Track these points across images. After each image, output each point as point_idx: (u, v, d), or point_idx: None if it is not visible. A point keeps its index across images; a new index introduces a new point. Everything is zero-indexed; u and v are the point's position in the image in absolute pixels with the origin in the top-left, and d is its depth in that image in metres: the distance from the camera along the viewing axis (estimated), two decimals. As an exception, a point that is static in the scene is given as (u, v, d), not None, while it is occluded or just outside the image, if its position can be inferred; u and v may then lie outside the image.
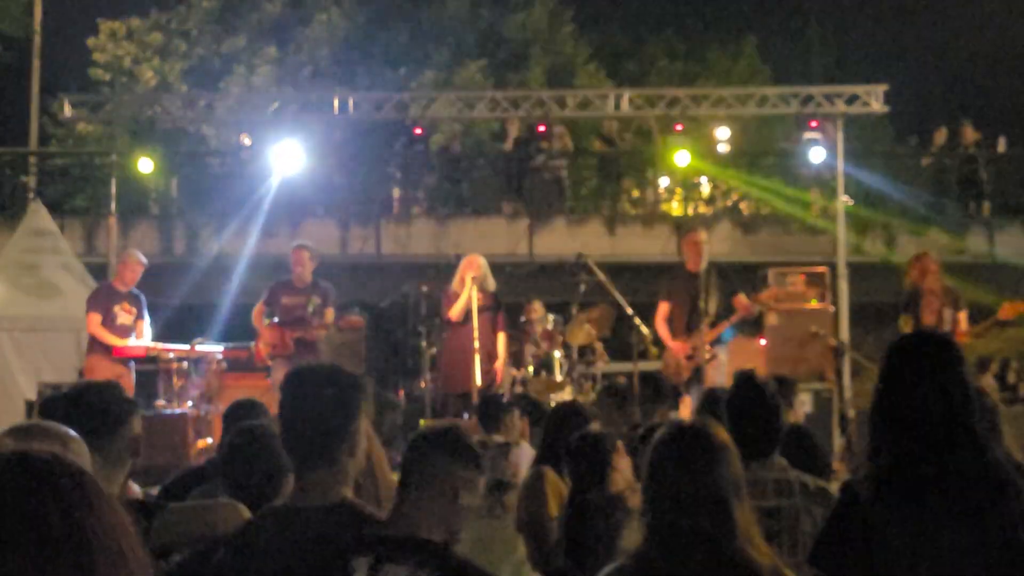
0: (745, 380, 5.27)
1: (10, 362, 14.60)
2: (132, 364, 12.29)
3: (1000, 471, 3.66)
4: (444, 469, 3.72)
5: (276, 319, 12.19)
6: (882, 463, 3.72)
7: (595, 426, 6.38)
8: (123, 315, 12.22)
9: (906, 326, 12.76)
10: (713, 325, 11.83)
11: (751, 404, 5.09)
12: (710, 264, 12.09)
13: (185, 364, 12.35)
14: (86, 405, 4.16)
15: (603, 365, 14.04)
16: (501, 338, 12.60)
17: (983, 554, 3.54)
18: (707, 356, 11.65)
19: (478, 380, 11.94)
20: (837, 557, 3.71)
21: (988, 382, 15.62)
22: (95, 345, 12.20)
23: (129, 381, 11.78)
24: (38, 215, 16.61)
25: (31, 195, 20.83)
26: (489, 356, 12.38)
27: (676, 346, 11.92)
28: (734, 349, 12.48)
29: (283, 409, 3.56)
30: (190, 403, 12.24)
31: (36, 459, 1.62)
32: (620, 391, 8.63)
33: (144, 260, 12.55)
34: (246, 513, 3.93)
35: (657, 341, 12.73)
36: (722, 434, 3.56)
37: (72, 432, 3.54)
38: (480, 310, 12.27)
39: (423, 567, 3.70)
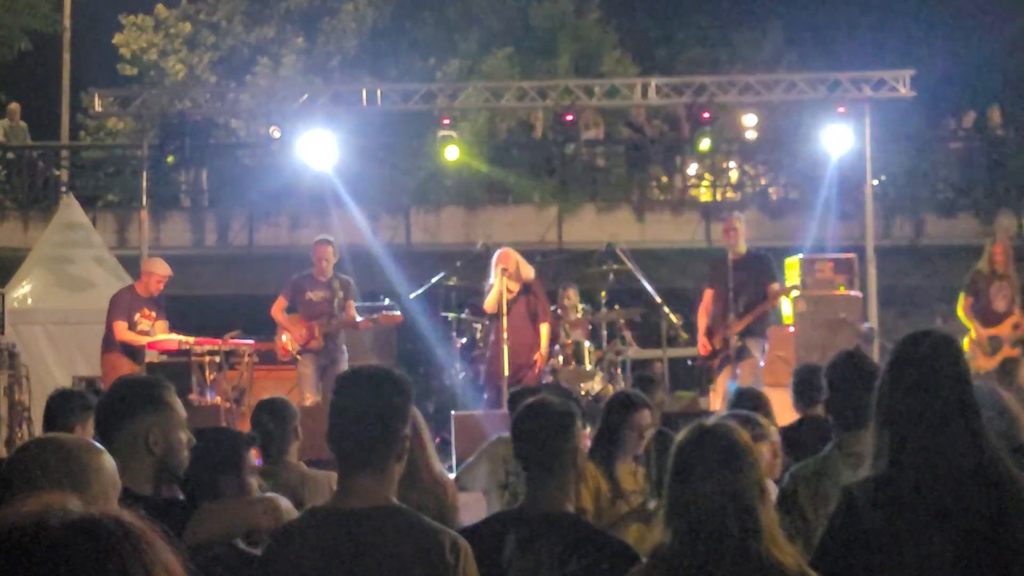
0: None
1: (45, 356, 14.69)
2: (144, 362, 12.21)
3: (996, 470, 3.63)
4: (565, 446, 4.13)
5: (300, 313, 12.22)
6: (880, 466, 3.70)
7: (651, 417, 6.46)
8: (144, 322, 12.14)
9: (964, 305, 12.79)
10: (742, 315, 11.72)
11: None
12: (750, 251, 12.07)
13: (217, 357, 12.30)
14: (98, 398, 4.15)
15: (632, 352, 14.05)
16: (544, 328, 12.32)
17: (967, 556, 3.54)
18: (735, 345, 11.61)
19: (506, 371, 11.90)
20: (839, 563, 3.68)
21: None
22: (110, 343, 12.14)
23: None
24: (70, 209, 16.73)
25: (63, 189, 21.03)
26: (529, 347, 12.22)
27: (701, 344, 11.97)
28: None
29: (332, 412, 3.55)
30: (222, 396, 12.28)
31: (100, 526, 1.62)
32: (649, 379, 8.71)
33: (169, 269, 12.40)
34: (286, 508, 3.95)
35: (687, 327, 12.75)
36: (744, 436, 3.53)
37: (95, 444, 3.41)
38: (513, 302, 12.18)
39: (568, 540, 3.96)
